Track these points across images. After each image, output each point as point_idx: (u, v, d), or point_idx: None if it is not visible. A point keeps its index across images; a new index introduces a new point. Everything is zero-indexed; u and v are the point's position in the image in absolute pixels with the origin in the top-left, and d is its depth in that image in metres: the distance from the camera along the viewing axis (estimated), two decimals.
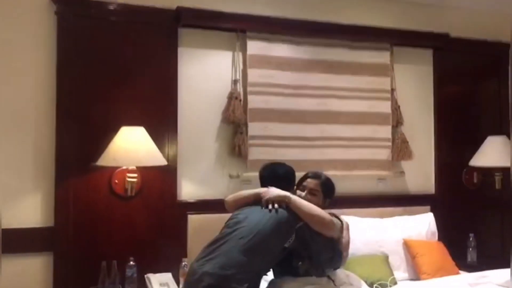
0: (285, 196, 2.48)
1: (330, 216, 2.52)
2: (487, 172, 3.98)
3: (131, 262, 2.98)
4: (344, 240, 2.56)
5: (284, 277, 2.54)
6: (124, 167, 3.10)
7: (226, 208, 2.74)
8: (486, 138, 3.89)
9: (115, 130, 3.04)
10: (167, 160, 3.20)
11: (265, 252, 2.37)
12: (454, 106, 4.06)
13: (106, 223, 3.13)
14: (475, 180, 4.07)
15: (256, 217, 2.44)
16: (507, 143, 3.77)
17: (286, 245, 2.44)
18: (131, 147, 2.93)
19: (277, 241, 2.41)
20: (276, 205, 2.46)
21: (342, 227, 2.60)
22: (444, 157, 3.99)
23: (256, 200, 2.54)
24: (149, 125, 3.11)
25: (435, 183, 3.97)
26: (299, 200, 2.51)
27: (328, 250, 2.45)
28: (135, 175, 3.09)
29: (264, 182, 2.67)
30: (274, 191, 2.50)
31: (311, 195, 2.67)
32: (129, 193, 3.11)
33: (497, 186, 3.92)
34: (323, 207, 2.64)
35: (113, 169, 3.14)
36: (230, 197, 2.73)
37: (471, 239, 3.81)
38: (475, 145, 3.90)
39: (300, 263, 2.49)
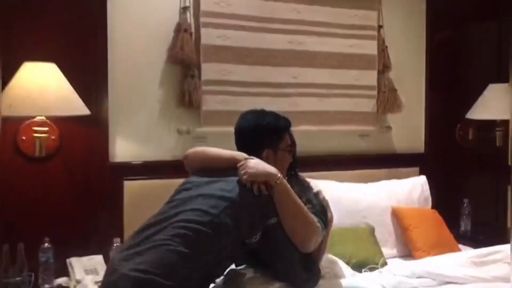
0: (271, 175, 1.77)
1: (317, 223, 1.83)
2: (485, 127, 3.51)
3: (46, 244, 2.38)
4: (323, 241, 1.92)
5: (246, 269, 1.87)
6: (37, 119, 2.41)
7: (185, 166, 2.04)
8: (484, 87, 3.39)
9: (15, 68, 2.31)
10: (94, 110, 2.55)
11: (212, 252, 1.68)
12: (448, 49, 3.62)
13: (11, 192, 2.46)
14: (470, 137, 3.63)
15: (211, 197, 1.73)
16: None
17: (247, 241, 1.75)
18: (36, 89, 2.22)
19: (232, 238, 1.72)
20: (263, 188, 1.75)
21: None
22: (436, 109, 3.57)
23: (228, 167, 1.82)
24: (64, 62, 2.42)
25: (425, 140, 3.58)
26: (288, 186, 1.80)
27: (303, 269, 1.80)
28: (46, 128, 2.39)
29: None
30: (255, 165, 1.77)
31: None
32: (37, 153, 2.38)
33: (498, 143, 3.46)
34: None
35: (19, 121, 2.44)
36: (192, 152, 2.00)
37: (465, 205, 3.41)
38: (471, 95, 3.45)
39: None
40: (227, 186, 1.77)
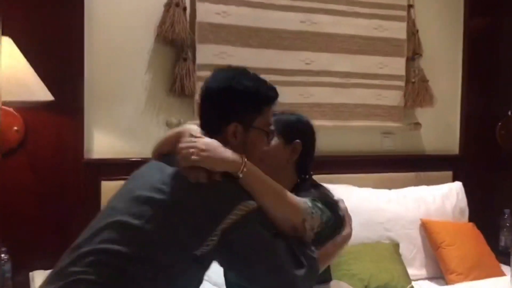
0: (231, 162, 1.29)
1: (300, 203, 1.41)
2: None
3: (3, 255, 2.18)
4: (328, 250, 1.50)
5: None
6: None
7: None
8: None
9: None
10: (67, 97, 2.34)
11: (145, 280, 1.23)
12: (489, 35, 3.35)
13: None
14: None
15: (137, 201, 1.29)
16: None
17: (197, 252, 1.31)
18: None
19: (174, 255, 1.26)
20: (203, 176, 1.26)
21: (340, 225, 1.51)
22: (473, 104, 3.34)
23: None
24: (26, 37, 2.19)
25: (460, 140, 3.36)
26: (259, 172, 1.34)
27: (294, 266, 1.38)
28: None
29: None
30: (209, 147, 1.30)
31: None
32: None
33: None
34: (286, 158, 1.57)
35: None
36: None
37: (506, 216, 3.16)
38: None
39: None
40: (158, 182, 1.29)
